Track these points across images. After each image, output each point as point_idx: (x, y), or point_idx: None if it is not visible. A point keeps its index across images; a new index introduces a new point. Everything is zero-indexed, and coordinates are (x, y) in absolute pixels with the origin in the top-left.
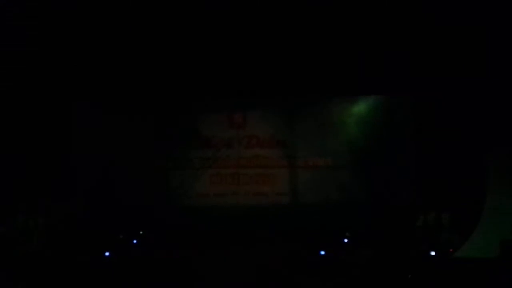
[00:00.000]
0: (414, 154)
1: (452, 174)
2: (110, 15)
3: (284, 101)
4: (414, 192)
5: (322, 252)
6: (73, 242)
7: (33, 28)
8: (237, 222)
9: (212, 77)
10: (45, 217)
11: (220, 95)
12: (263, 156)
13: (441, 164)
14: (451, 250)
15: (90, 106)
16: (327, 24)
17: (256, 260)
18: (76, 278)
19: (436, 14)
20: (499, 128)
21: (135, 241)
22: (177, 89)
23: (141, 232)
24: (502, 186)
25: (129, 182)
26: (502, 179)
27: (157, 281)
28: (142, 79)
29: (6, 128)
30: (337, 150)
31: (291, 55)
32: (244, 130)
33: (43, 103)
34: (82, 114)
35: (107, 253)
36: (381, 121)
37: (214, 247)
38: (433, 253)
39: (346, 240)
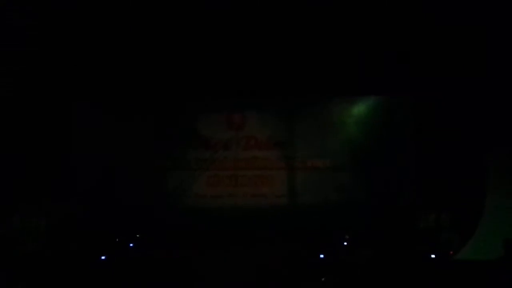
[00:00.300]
0: (414, 155)
1: (452, 174)
2: (110, 15)
3: (283, 101)
4: (414, 193)
5: (322, 256)
6: (72, 243)
7: (33, 28)
8: (236, 223)
9: (210, 78)
10: (44, 217)
11: (218, 95)
12: (261, 157)
13: (441, 165)
14: (451, 252)
15: (89, 106)
16: (326, 24)
17: (255, 262)
18: (75, 279)
19: (436, 14)
20: (499, 128)
21: (131, 245)
22: (176, 89)
23: (137, 235)
24: (503, 186)
25: (128, 183)
26: (503, 179)
27: (155, 282)
28: (141, 79)
29: (5, 128)
30: (337, 150)
31: (290, 55)
32: (243, 131)
33: (42, 103)
34: (81, 114)
35: (103, 257)
36: (380, 122)
37: (213, 249)
38: (433, 256)
39: (345, 243)
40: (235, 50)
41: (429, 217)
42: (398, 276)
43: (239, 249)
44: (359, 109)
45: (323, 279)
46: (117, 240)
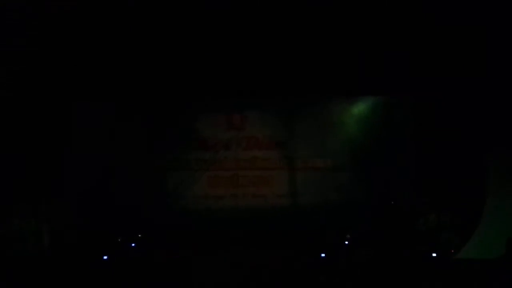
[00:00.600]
0: (414, 155)
1: (452, 174)
2: (109, 15)
3: (283, 101)
4: (414, 193)
5: (323, 254)
6: (72, 244)
7: (33, 28)
8: (236, 224)
9: (210, 78)
10: (43, 219)
11: (219, 95)
12: (262, 158)
13: (441, 165)
14: (452, 251)
15: (89, 107)
16: (326, 24)
17: (255, 263)
18: (75, 280)
19: (436, 14)
20: (499, 128)
21: (133, 245)
22: (176, 89)
23: (139, 235)
24: (503, 186)
25: (128, 183)
26: (503, 179)
27: (156, 283)
28: (141, 79)
29: (5, 128)
30: (337, 150)
31: (291, 55)
32: (243, 131)
33: (41, 103)
34: (81, 114)
35: (105, 257)
36: (380, 122)
37: (213, 249)
38: (434, 254)
39: (346, 242)
40: (236, 50)
41: (429, 217)
42: (399, 276)
43: (240, 249)
44: (359, 109)
45: (323, 278)
46: (119, 240)
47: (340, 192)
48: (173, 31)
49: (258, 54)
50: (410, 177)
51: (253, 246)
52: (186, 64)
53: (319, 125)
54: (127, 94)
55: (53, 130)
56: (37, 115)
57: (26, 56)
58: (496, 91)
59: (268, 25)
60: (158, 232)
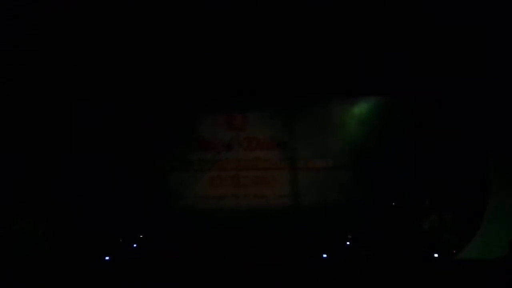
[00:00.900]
0: (415, 155)
1: (453, 174)
2: (109, 15)
3: (284, 102)
4: (415, 193)
5: (324, 255)
6: (73, 245)
7: (33, 28)
8: (238, 224)
9: (211, 78)
10: (44, 218)
11: (219, 96)
12: (263, 158)
13: (442, 165)
14: (453, 251)
15: (90, 107)
16: (327, 24)
17: (256, 263)
18: (76, 281)
19: (436, 14)
20: (500, 128)
21: (135, 245)
22: (177, 90)
23: (141, 236)
24: (504, 186)
25: (129, 184)
26: (504, 179)
27: (157, 283)
28: (142, 79)
29: (5, 128)
30: (338, 151)
31: (291, 56)
32: (244, 132)
33: (42, 104)
34: (82, 115)
35: (107, 258)
36: (381, 122)
37: (214, 250)
38: (436, 254)
39: (348, 243)
40: (236, 50)
41: (430, 217)
42: (400, 276)
43: (241, 249)
44: (360, 109)
45: (325, 278)
46: (120, 241)
47: (341, 193)
48: (173, 32)
49: (259, 54)
50: (411, 177)
51: (254, 246)
52: (186, 64)
53: (320, 126)
54: (127, 94)
55: (54, 130)
56: (38, 115)
57: (27, 56)
58: (496, 91)
59: (268, 25)
60: (159, 233)
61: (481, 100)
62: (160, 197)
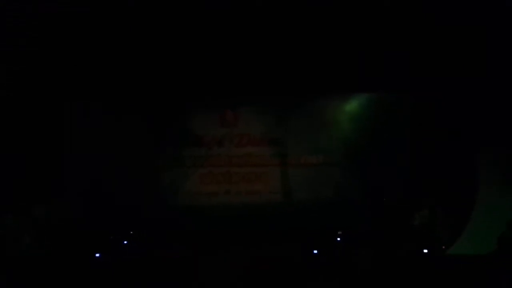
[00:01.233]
0: (406, 152)
1: (444, 171)
2: (104, 15)
3: (277, 98)
4: (407, 190)
5: (315, 251)
6: (64, 243)
7: (33, 28)
8: (230, 221)
9: (203, 75)
10: (36, 217)
11: (211, 92)
12: (255, 155)
13: (434, 162)
14: (443, 247)
15: (82, 105)
16: (322, 21)
17: (249, 259)
18: (68, 279)
19: (436, 13)
20: (490, 126)
21: (125, 242)
22: (168, 87)
23: (131, 232)
24: (494, 183)
25: (120, 181)
26: (493, 176)
27: (149, 281)
28: (134, 77)
29: (1, 128)
30: (330, 147)
31: (285, 52)
32: (236, 128)
33: (36, 102)
34: (74, 113)
35: (97, 254)
36: (373, 119)
37: (206, 247)
38: (425, 250)
39: (338, 239)
40: (229, 47)
41: (421, 214)
42: (391, 272)
43: (231, 248)
44: (352, 106)
45: (315, 274)
46: (111, 237)
47: (333, 189)
48: (166, 30)
49: (251, 51)
50: (402, 174)
51: (246, 243)
52: (179, 62)
53: (313, 122)
54: (120, 92)
55: (47, 129)
56: (32, 115)
57: (26, 55)
58: (487, 89)
59: (261, 22)
60: (150, 230)
61: (473, 99)
62: (151, 194)
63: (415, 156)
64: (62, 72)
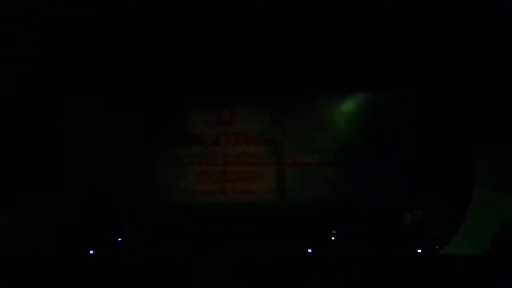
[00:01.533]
0: (403, 152)
1: (440, 171)
2: (101, 14)
3: (273, 97)
4: (402, 190)
5: (310, 250)
6: (59, 241)
7: (32, 28)
8: (225, 219)
9: (200, 74)
10: (30, 216)
11: (208, 91)
12: (251, 153)
13: (430, 162)
14: (437, 247)
15: (77, 105)
16: (320, 20)
17: (244, 258)
18: (63, 277)
19: (436, 13)
20: (487, 126)
21: (119, 239)
22: (165, 86)
23: (125, 229)
24: (488, 182)
25: (115, 180)
26: (489, 175)
27: (145, 280)
28: (130, 76)
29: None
30: (326, 147)
31: (283, 51)
32: (232, 127)
33: (34, 101)
34: (71, 112)
35: (91, 252)
36: (370, 119)
37: (202, 245)
38: (419, 250)
39: (333, 238)
40: (225, 46)
41: (415, 213)
42: (385, 271)
43: (227, 246)
44: (348, 106)
45: (310, 273)
46: (106, 235)
47: (328, 188)
48: (163, 29)
49: (248, 50)
50: (397, 174)
51: (241, 241)
52: (175, 61)
53: (308, 121)
54: (116, 91)
55: (44, 127)
56: (29, 114)
57: (25, 55)
58: (484, 89)
59: (258, 22)
60: (146, 228)
61: (469, 97)
62: (147, 192)
63: (411, 156)
64: (60, 71)
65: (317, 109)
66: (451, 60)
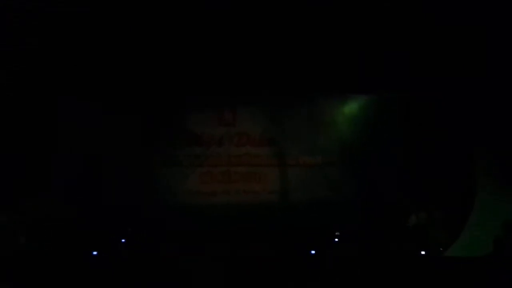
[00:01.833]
0: (404, 152)
1: (442, 173)
2: (100, 11)
3: (276, 98)
4: (404, 191)
5: (313, 252)
6: (60, 241)
7: (31, 27)
8: (228, 220)
9: (202, 74)
10: (30, 215)
11: (210, 92)
12: (253, 154)
13: (431, 163)
14: (440, 249)
15: (77, 103)
16: (320, 21)
17: (246, 259)
18: (63, 277)
19: (436, 13)
20: (487, 127)
21: (123, 240)
22: (166, 86)
23: (129, 229)
24: (490, 185)
25: (119, 181)
26: (490, 178)
27: (146, 280)
28: (132, 76)
29: None
30: (328, 148)
31: (285, 52)
32: (235, 127)
33: (34, 102)
34: (69, 110)
35: (94, 252)
36: (371, 120)
37: (204, 245)
38: (423, 252)
39: (336, 240)
40: (227, 47)
41: (418, 215)
42: (388, 273)
43: (230, 247)
44: (350, 107)
45: (313, 275)
46: (109, 236)
47: (331, 189)
48: (164, 28)
49: (250, 51)
50: (400, 175)
51: (244, 242)
52: (177, 61)
53: (310, 123)
54: (118, 91)
55: (40, 127)
56: (23, 112)
57: (26, 55)
58: (485, 90)
59: (259, 23)
60: (149, 229)
61: (468, 99)
62: (150, 193)
63: (413, 157)
64: (60, 70)
65: (320, 110)
66: (451, 60)
